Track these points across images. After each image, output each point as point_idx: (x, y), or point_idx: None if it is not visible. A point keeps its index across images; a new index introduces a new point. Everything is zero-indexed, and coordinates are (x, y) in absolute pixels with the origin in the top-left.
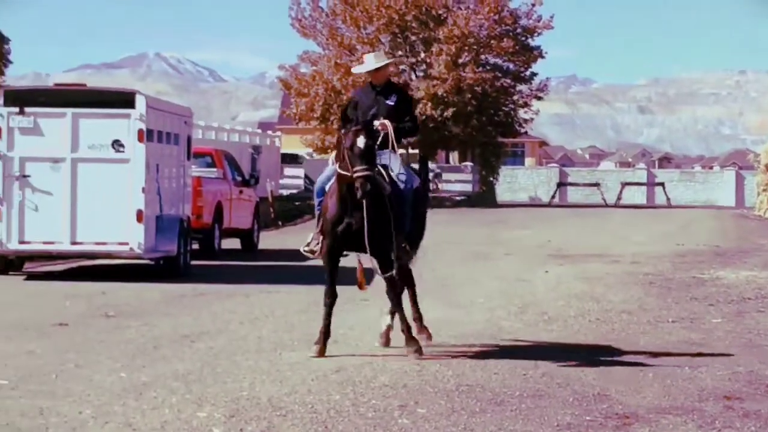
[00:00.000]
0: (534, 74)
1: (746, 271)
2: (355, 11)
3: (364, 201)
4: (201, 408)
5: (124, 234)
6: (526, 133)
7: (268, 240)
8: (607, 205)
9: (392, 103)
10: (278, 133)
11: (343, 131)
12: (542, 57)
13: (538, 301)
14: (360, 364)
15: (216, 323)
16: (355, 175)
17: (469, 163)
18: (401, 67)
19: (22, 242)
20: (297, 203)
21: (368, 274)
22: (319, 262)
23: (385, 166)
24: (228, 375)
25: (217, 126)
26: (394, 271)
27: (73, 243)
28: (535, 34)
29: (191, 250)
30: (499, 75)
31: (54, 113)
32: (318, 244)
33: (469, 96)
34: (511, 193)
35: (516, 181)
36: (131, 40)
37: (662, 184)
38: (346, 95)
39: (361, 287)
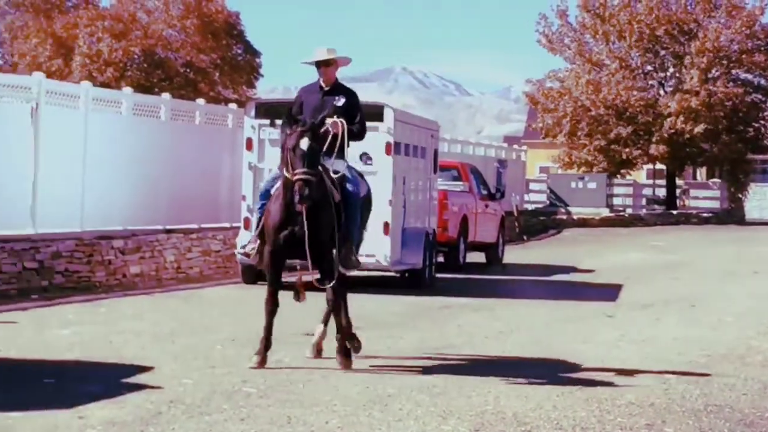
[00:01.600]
0: None
1: None
2: (606, 25)
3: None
4: (446, 421)
5: (371, 246)
6: None
7: (513, 254)
8: None
9: (340, 105)
10: (524, 147)
11: (288, 131)
12: None
13: None
14: (605, 380)
15: (461, 336)
16: (295, 177)
17: (717, 180)
18: (650, 82)
19: None
20: (542, 218)
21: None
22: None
23: (336, 172)
24: (473, 389)
25: (462, 139)
26: (334, 282)
27: None
28: None
29: (436, 263)
30: (750, 90)
31: None
32: (254, 247)
33: (721, 112)
34: (760, 211)
35: (765, 198)
36: (379, 54)
37: None
38: (596, 112)
39: (299, 298)
